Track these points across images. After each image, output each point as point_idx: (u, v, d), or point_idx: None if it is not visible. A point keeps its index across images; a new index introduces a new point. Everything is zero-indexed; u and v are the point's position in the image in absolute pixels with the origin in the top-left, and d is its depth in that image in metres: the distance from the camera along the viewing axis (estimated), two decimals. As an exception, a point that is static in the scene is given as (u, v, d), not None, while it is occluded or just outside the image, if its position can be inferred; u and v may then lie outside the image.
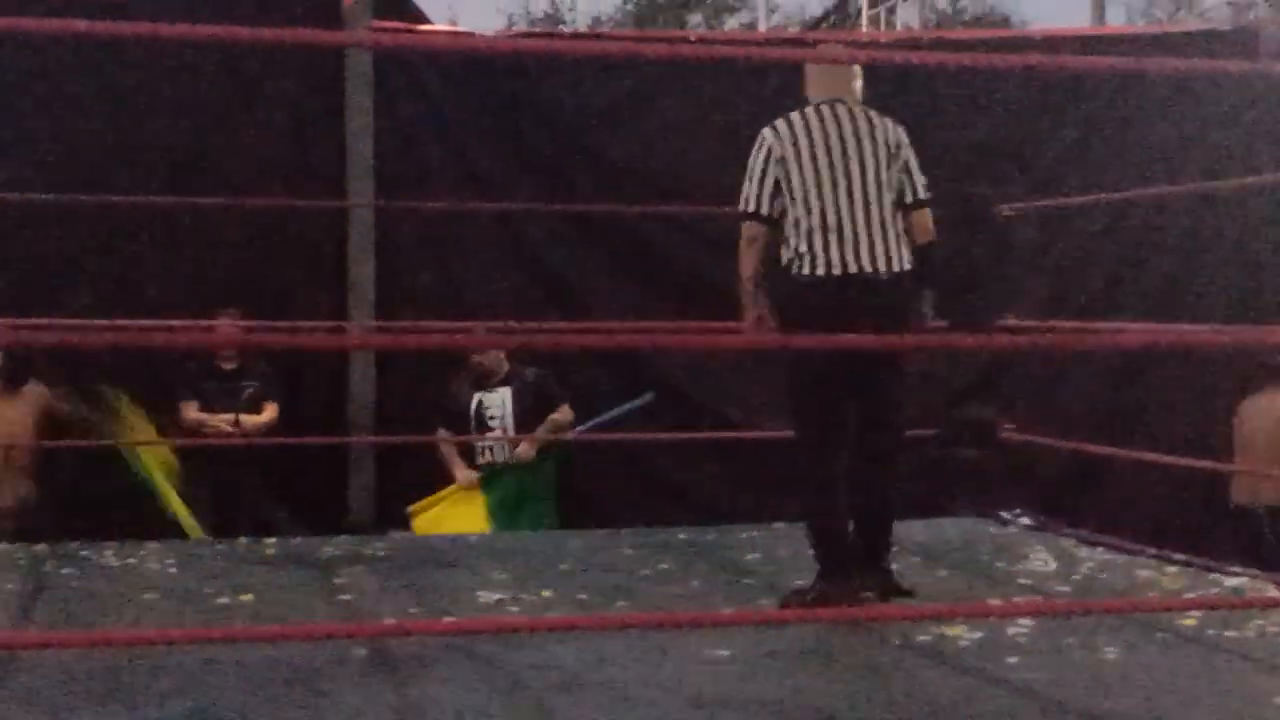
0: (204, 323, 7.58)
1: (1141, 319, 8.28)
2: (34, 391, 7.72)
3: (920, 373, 7.42)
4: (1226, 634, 4.92)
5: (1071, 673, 4.51)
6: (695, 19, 31.30)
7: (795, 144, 5.26)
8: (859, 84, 5.48)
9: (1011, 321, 7.36)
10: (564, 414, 8.07)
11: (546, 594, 5.63)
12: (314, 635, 4.84)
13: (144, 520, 7.32)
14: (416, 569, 6.28)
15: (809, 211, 5.22)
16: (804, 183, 5.23)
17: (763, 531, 7.00)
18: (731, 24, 30.42)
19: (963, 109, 8.75)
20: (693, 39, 12.70)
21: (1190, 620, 5.04)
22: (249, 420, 8.01)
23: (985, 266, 7.26)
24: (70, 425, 7.67)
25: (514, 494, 7.93)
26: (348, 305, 8.26)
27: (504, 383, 8.06)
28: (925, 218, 5.36)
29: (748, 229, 5.32)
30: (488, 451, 8.02)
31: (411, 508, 7.92)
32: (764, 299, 5.33)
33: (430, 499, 7.93)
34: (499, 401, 8.04)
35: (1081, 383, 8.82)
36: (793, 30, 23.24)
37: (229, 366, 8.07)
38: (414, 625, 5.00)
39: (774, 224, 5.29)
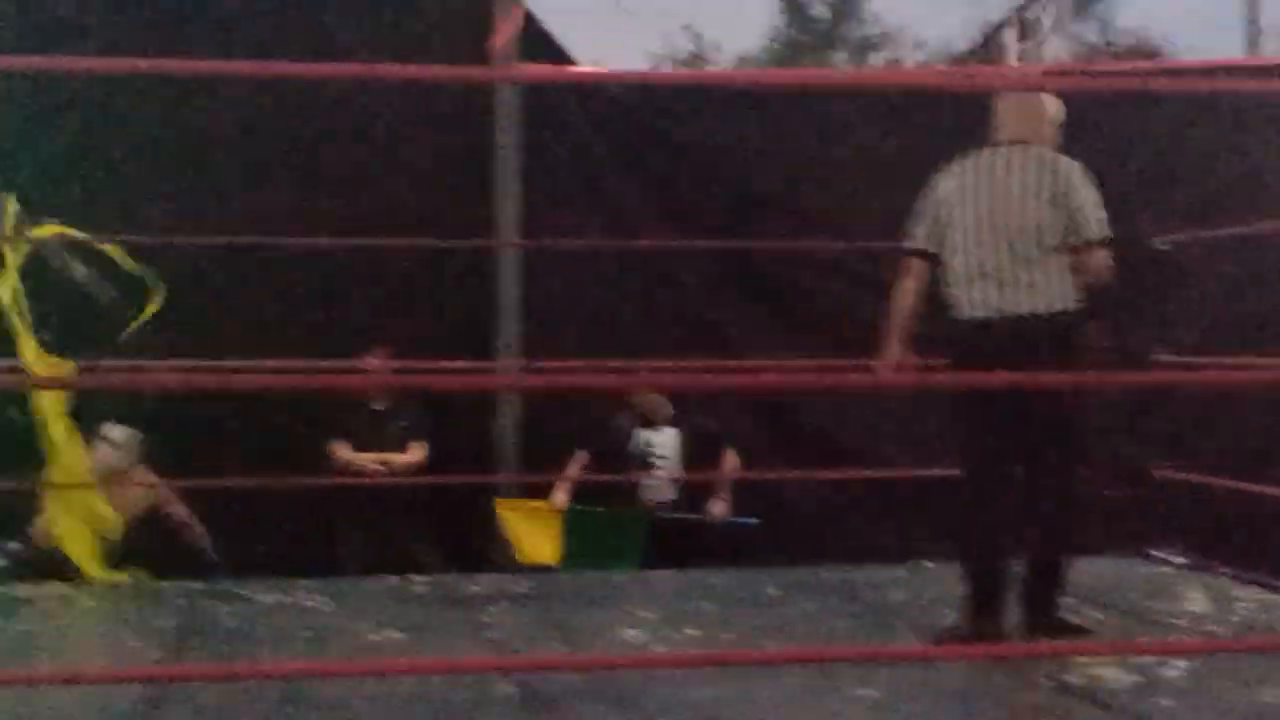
0: (355, 363, 7.70)
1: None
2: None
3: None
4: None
5: (1230, 717, 4.40)
6: (840, 56, 31.26)
7: (960, 186, 5.32)
8: (1049, 127, 5.44)
9: (1165, 357, 7.23)
10: (731, 460, 8.05)
11: (692, 632, 5.61)
12: (462, 671, 4.87)
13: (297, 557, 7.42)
14: (562, 606, 6.30)
15: (965, 254, 5.26)
16: (963, 225, 5.28)
17: (909, 570, 6.93)
18: (875, 61, 30.32)
19: (1117, 139, 8.62)
20: (838, 76, 12.66)
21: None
22: (398, 460, 8.10)
23: (1141, 300, 7.16)
24: None
25: (594, 542, 7.84)
26: (495, 345, 8.33)
27: (673, 422, 8.07)
28: (1098, 257, 5.30)
29: (904, 264, 5.42)
30: (649, 490, 8.03)
31: (499, 499, 7.97)
32: (908, 336, 5.33)
33: (521, 501, 7.99)
34: (665, 442, 8.05)
35: (1236, 418, 8.62)
36: (939, 66, 23.09)
37: (379, 407, 8.17)
38: (561, 660, 5.01)
39: (934, 261, 5.34)
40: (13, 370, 6.87)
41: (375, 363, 7.83)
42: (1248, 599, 6.26)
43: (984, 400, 5.24)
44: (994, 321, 5.21)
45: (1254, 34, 12.66)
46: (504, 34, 8.19)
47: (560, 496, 7.98)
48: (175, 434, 7.55)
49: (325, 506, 7.93)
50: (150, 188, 8.12)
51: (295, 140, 8.33)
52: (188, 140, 8.24)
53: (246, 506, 7.75)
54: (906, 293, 5.37)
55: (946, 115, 7.52)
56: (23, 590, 6.71)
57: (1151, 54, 26.75)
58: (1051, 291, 5.21)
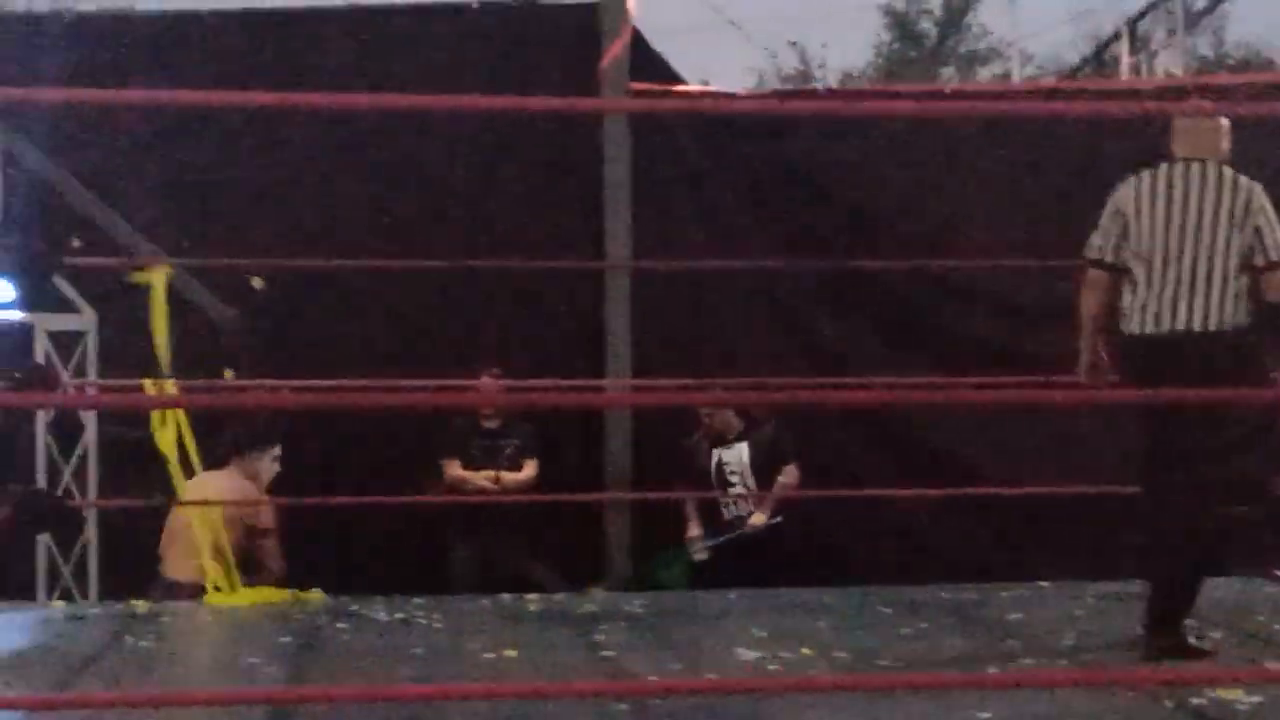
0: (467, 382, 7.76)
1: None
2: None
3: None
4: None
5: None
6: (948, 71, 31.06)
7: (1138, 200, 5.34)
8: (1225, 142, 5.43)
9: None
10: (790, 475, 8.05)
11: (806, 652, 5.59)
12: (580, 693, 4.88)
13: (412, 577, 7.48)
14: (674, 625, 6.30)
15: (1141, 268, 5.28)
16: (1140, 240, 5.31)
17: (1026, 590, 6.86)
18: (984, 75, 30.09)
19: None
20: (947, 91, 12.59)
21: None
22: (510, 477, 8.15)
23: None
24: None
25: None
26: (605, 363, 8.36)
27: (741, 437, 8.08)
28: (1278, 278, 5.27)
29: (1088, 275, 5.47)
30: (731, 506, 8.04)
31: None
32: (1101, 345, 5.41)
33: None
34: (737, 458, 8.07)
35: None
36: (1049, 80, 22.88)
37: (491, 425, 8.22)
38: (678, 684, 5.01)
39: (1116, 272, 5.37)
40: None
41: (488, 382, 7.88)
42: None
43: (1148, 416, 5.29)
44: (1171, 337, 5.23)
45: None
46: (613, 54, 8.23)
47: (694, 526, 8.07)
48: (290, 453, 7.64)
49: (437, 524, 7.99)
50: (266, 211, 8.27)
51: (412, 164, 8.42)
52: (310, 165, 8.36)
53: (361, 525, 7.85)
54: (1093, 303, 5.44)
55: (1061, 133, 7.47)
56: (141, 607, 6.80)
57: (1265, 66, 26.34)
58: (1227, 309, 5.22)
